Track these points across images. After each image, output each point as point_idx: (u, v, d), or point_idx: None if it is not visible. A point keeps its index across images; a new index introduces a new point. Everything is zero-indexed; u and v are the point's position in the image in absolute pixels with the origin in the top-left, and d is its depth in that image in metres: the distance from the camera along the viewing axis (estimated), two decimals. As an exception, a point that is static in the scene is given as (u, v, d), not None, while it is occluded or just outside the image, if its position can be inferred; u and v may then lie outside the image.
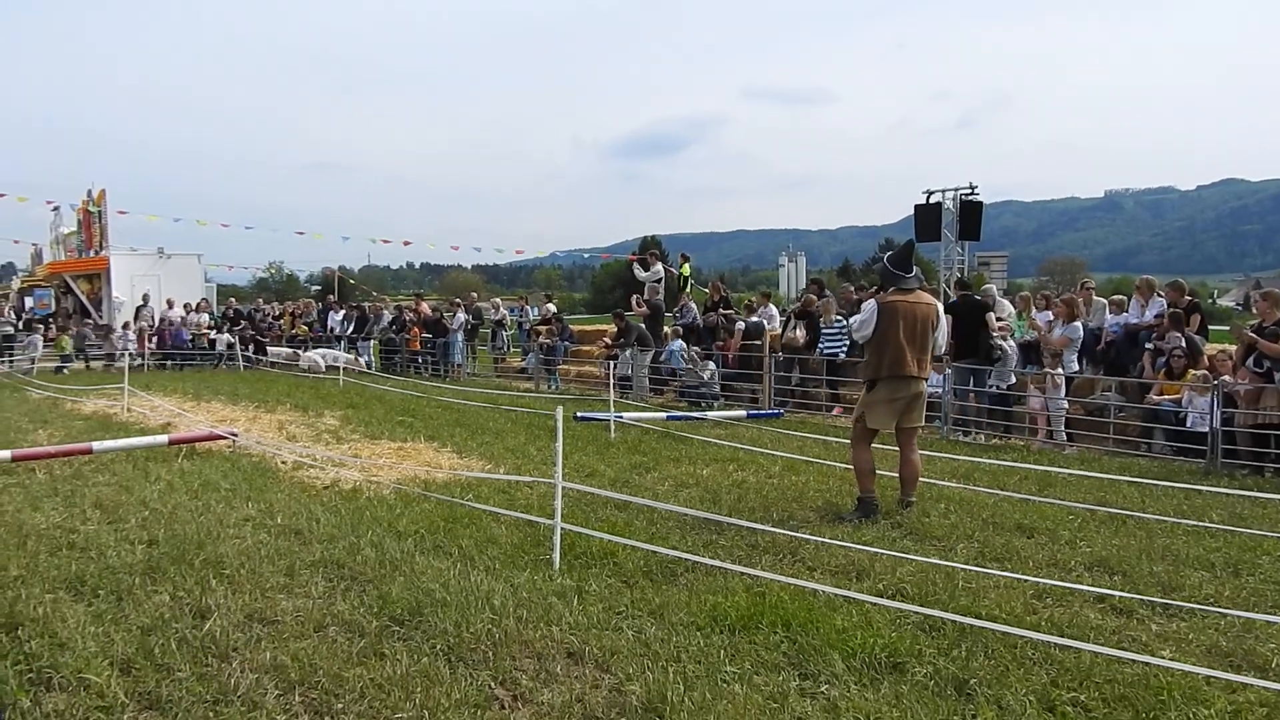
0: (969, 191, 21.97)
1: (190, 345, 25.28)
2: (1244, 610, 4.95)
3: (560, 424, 5.88)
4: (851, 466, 7.54)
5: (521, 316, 24.25)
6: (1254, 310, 11.34)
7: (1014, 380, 12.34)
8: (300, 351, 22.88)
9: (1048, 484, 8.48)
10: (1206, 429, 9.94)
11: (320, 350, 22.56)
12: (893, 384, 7.28)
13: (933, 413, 12.50)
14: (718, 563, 5.62)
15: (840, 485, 8.34)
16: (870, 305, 7.44)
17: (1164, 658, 4.28)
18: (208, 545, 6.16)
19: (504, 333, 22.40)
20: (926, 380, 7.49)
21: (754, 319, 16.76)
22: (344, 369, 19.64)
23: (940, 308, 7.57)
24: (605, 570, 5.62)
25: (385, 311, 24.84)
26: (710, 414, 12.89)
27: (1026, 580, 5.39)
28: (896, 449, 7.55)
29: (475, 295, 25.16)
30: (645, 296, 18.43)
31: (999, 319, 13.26)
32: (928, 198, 22.57)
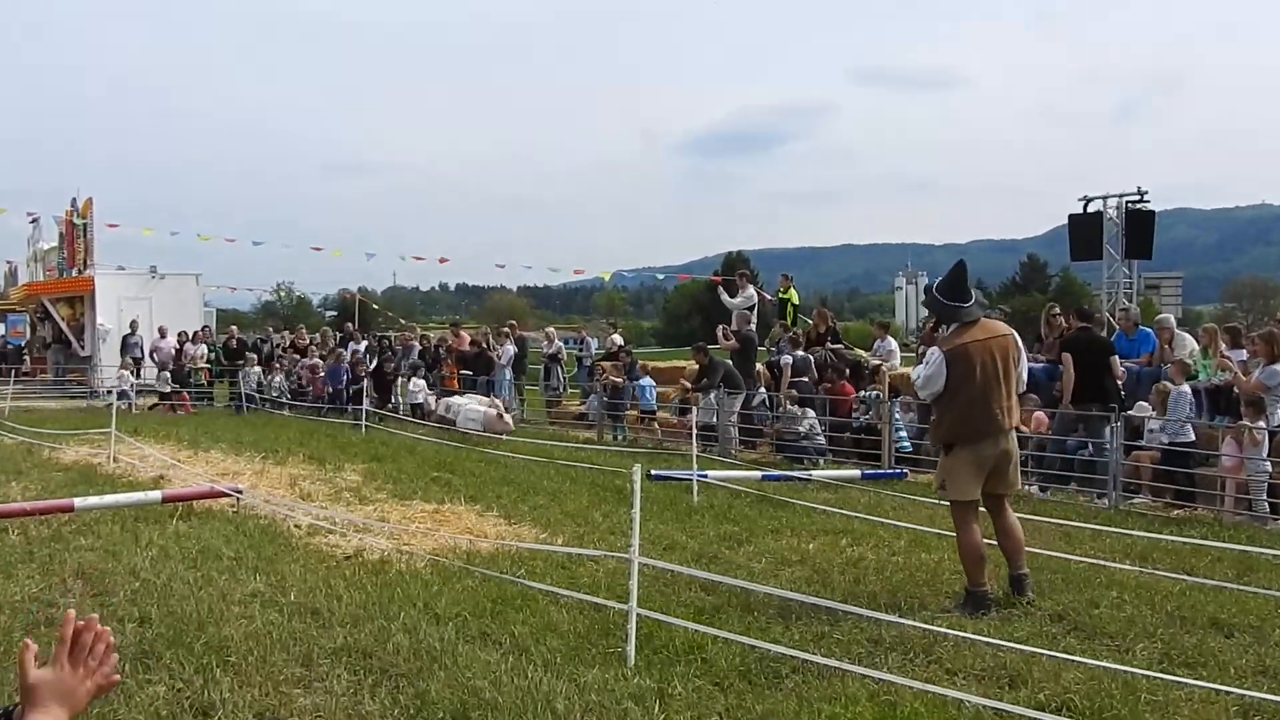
0: (1136, 198, 21.61)
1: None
2: None
3: (638, 486, 5.86)
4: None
5: (581, 350, 24.39)
6: None
7: (1192, 436, 12.03)
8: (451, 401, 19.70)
9: (1247, 568, 8.20)
10: None
11: (475, 398, 19.68)
12: (977, 444, 7.12)
13: (1098, 475, 12.25)
14: (833, 662, 5.53)
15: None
16: (935, 356, 7.26)
17: None
18: (209, 626, 6.25)
19: (559, 370, 22.51)
20: (1015, 431, 7.33)
21: (800, 353, 16.75)
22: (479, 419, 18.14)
23: (1017, 335, 7.46)
24: (691, 668, 5.56)
25: (414, 343, 25.15)
26: (815, 474, 12.77)
27: (1229, 692, 5.20)
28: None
29: (515, 324, 25.40)
30: (734, 327, 18.41)
31: (1186, 358, 13.01)
32: (1085, 206, 22.27)
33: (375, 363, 23.21)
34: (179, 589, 7.18)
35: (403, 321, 45.03)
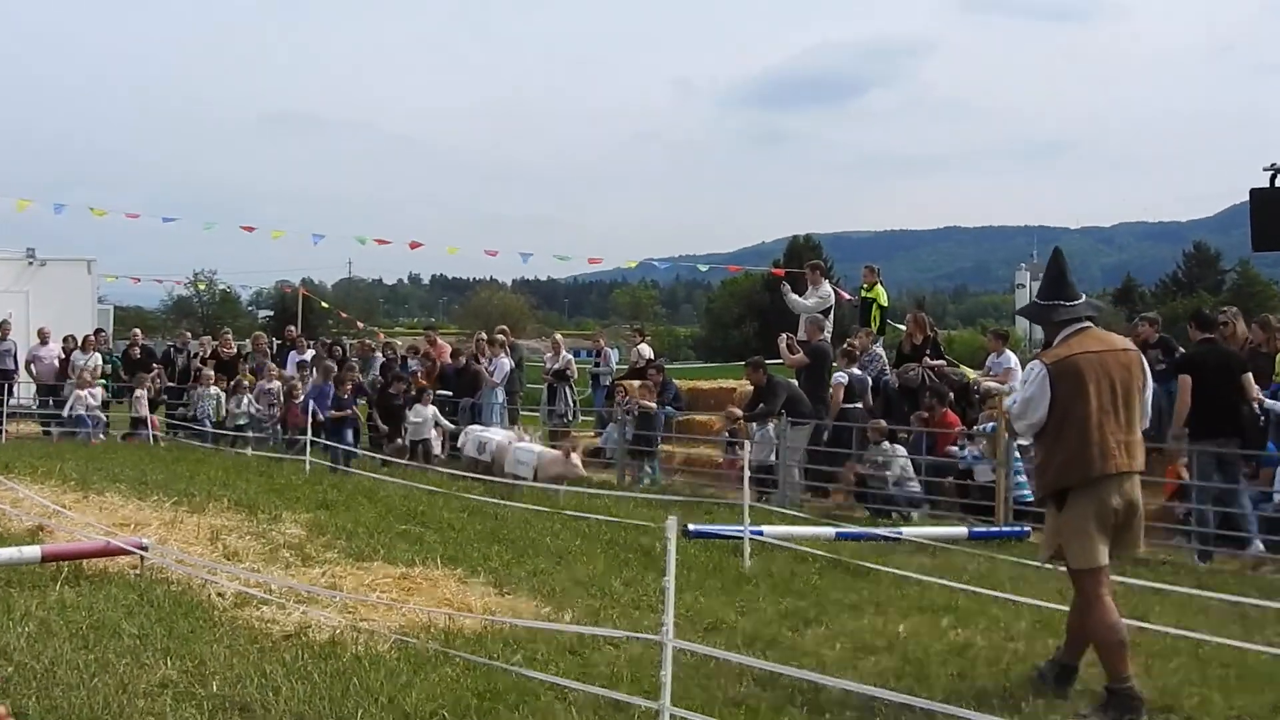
0: (1343, 168, 21.53)
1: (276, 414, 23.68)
2: None
3: (673, 546, 5.89)
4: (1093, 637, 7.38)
5: (597, 365, 24.43)
6: None
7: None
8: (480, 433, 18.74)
9: None
10: None
11: (505, 431, 18.85)
12: (1097, 489, 7.20)
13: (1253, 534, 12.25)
14: (931, 782, 5.54)
15: (1132, 654, 8.16)
16: (1037, 371, 7.41)
17: None
18: (106, 725, 6.30)
19: (567, 390, 22.52)
20: (1141, 474, 7.41)
21: (856, 370, 16.80)
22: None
23: (1142, 354, 7.61)
24: (743, 787, 5.58)
25: (377, 354, 25.28)
26: (907, 531, 12.75)
27: None
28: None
29: (507, 330, 25.49)
30: (801, 336, 18.41)
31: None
32: (1273, 178, 22.14)
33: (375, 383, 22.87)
34: (65, 676, 7.21)
35: (361, 325, 45.30)
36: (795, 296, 19.59)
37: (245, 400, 23.75)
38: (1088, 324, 7.45)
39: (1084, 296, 7.55)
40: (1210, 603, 9.94)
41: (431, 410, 21.04)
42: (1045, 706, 7.03)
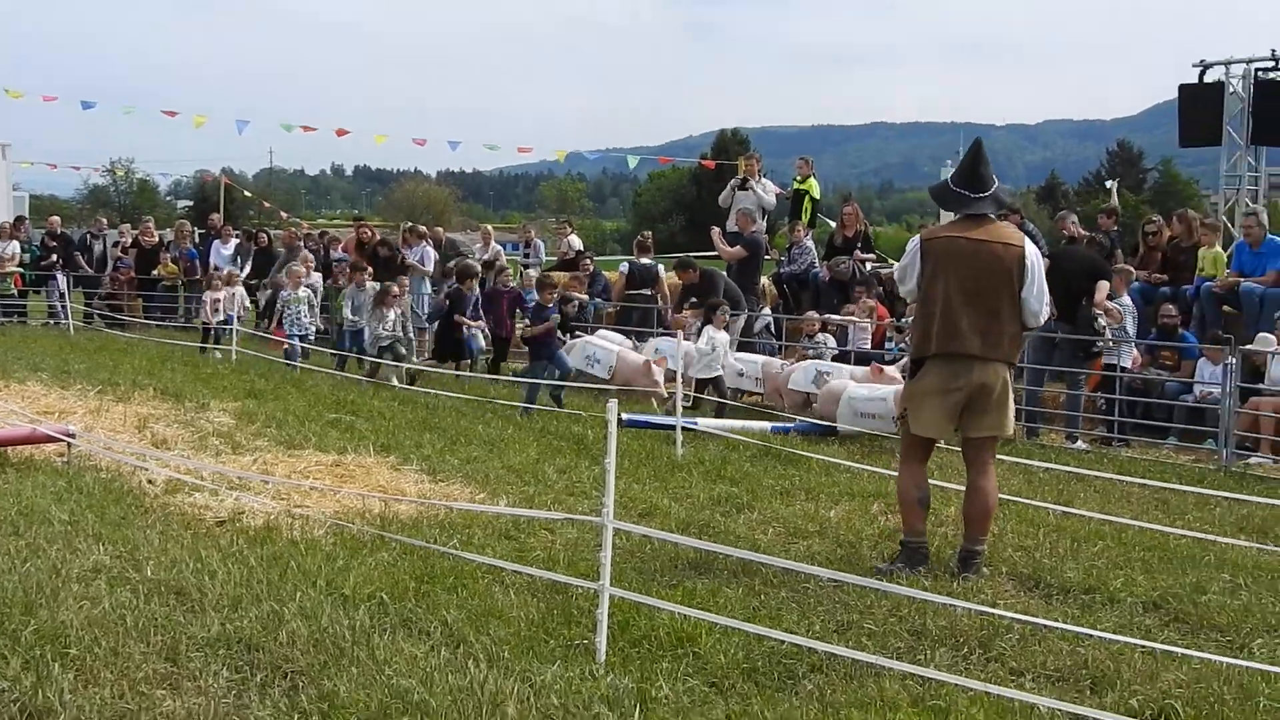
0: (1270, 64, 21.64)
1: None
2: None
3: (614, 429, 5.92)
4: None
5: (527, 257, 24.31)
6: None
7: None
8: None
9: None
10: None
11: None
12: (945, 366, 7.54)
13: (1208, 428, 12.52)
14: (866, 657, 5.64)
15: (1057, 537, 8.35)
16: (912, 244, 7.88)
17: None
18: (40, 609, 6.28)
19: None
20: (1005, 364, 7.63)
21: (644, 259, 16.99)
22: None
23: (1030, 250, 7.68)
24: (680, 665, 5.68)
25: (299, 244, 24.97)
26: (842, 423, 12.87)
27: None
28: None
29: (440, 230, 25.20)
30: (734, 228, 18.32)
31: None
32: (1201, 74, 22.33)
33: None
34: (-4, 561, 7.23)
35: (285, 215, 44.66)
36: (761, 192, 19.13)
37: (393, 315, 17.20)
38: (983, 212, 7.64)
39: (993, 190, 7.66)
40: (1133, 488, 10.18)
41: (722, 336, 15.55)
42: (975, 587, 7.16)
